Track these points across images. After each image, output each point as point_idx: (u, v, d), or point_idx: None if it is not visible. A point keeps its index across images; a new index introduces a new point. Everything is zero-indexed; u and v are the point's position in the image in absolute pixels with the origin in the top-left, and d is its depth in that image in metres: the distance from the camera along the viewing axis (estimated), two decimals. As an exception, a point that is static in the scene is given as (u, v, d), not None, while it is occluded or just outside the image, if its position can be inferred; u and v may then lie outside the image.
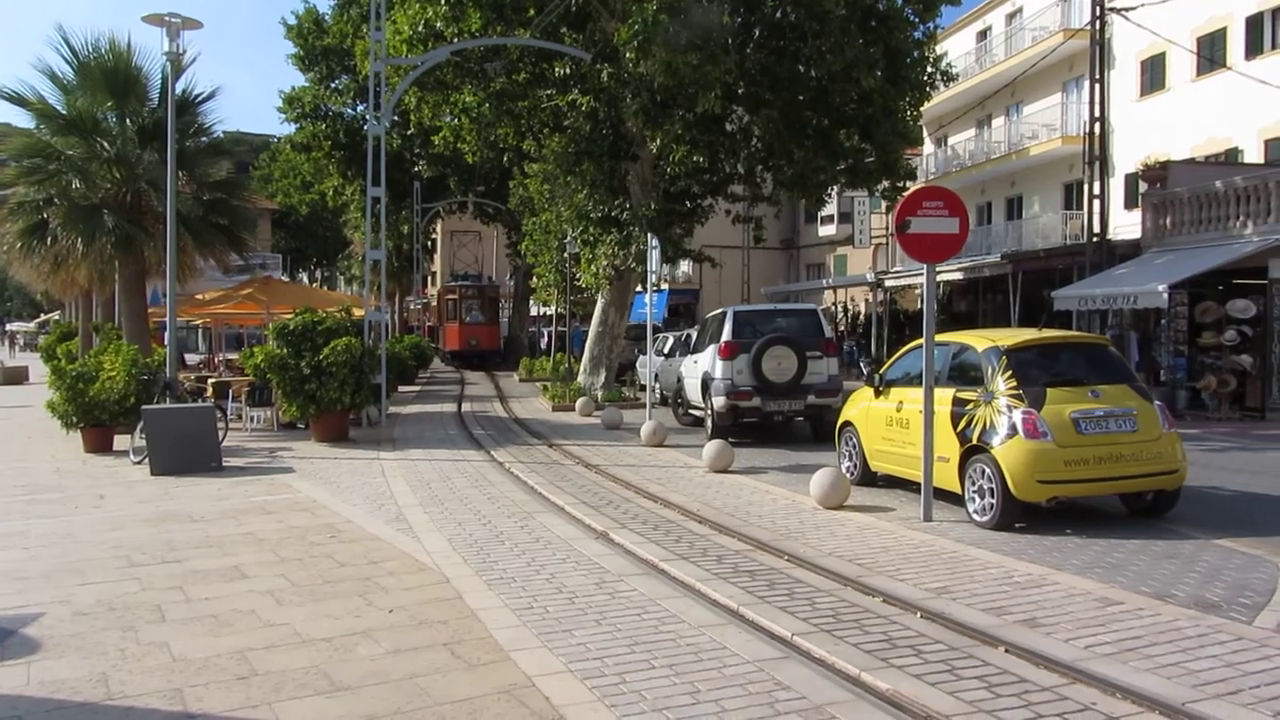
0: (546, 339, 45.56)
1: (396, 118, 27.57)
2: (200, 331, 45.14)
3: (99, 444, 15.07)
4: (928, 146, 38.57)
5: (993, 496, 8.91)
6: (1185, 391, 18.69)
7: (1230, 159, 24.38)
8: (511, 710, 4.86)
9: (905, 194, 23.12)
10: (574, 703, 4.93)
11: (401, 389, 27.74)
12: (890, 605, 6.59)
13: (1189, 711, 4.75)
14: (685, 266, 44.57)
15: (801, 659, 5.60)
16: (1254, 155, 24.26)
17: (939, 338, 9.84)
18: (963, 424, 9.31)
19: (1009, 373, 9.09)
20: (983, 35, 36.88)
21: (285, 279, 45.51)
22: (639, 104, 18.96)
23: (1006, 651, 5.64)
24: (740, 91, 20.50)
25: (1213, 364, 18.28)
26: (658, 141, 20.06)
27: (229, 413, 17.02)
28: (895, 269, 36.26)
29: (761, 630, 6.10)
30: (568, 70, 21.06)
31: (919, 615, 6.34)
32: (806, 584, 7.15)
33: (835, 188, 23.44)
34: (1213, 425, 17.16)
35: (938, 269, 27.29)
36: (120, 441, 15.09)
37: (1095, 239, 21.75)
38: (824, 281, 41.54)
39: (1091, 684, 5.12)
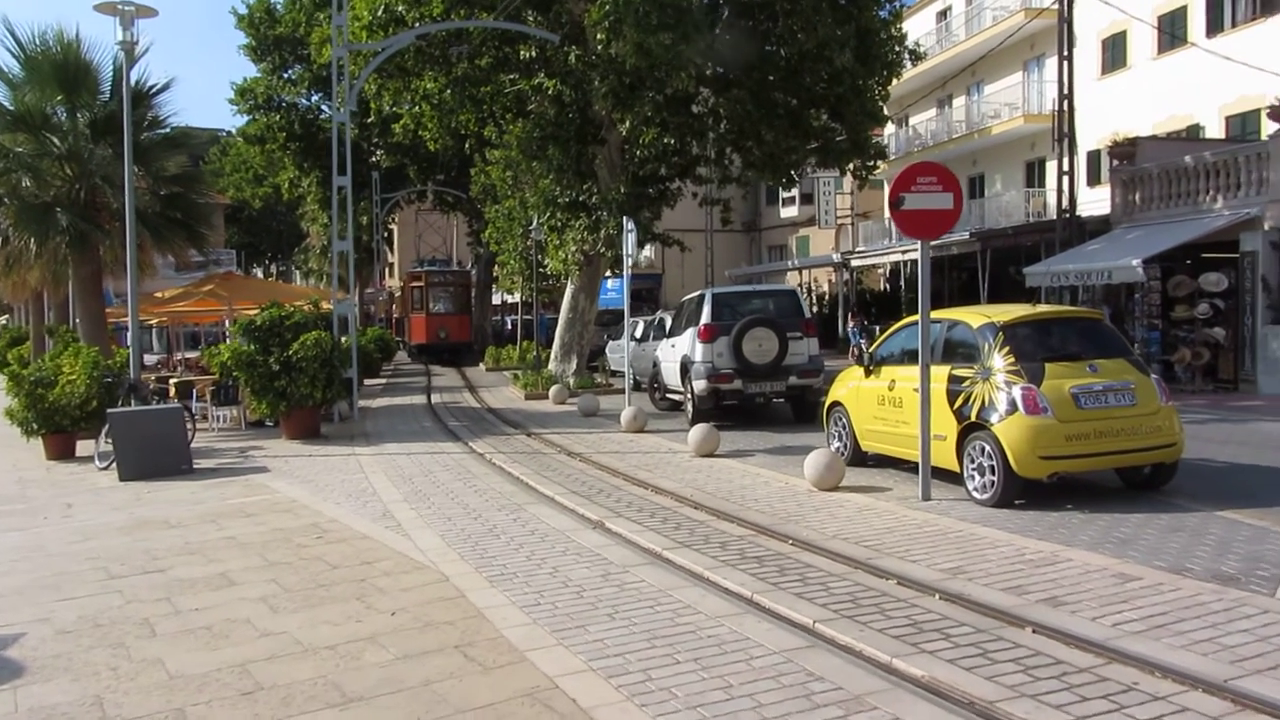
0: (511, 327, 44.88)
1: (354, 107, 27.02)
2: (155, 331, 44.06)
3: (61, 450, 14.55)
4: (889, 127, 38.58)
5: (993, 474, 8.79)
6: (1159, 365, 18.77)
7: (1192, 135, 24.53)
8: (539, 715, 4.62)
9: (875, 171, 23.31)
10: (603, 704, 4.71)
11: (367, 382, 27.27)
12: (906, 588, 6.44)
13: (1233, 689, 4.63)
14: (648, 251, 44.31)
15: (828, 647, 5.42)
16: (1215, 132, 24.44)
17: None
18: (960, 401, 9.18)
19: (1006, 349, 8.98)
20: (943, 15, 36.90)
21: (240, 274, 44.47)
22: (608, 86, 18.66)
23: (1034, 632, 5.51)
24: (708, 73, 20.29)
25: (1186, 337, 18.39)
26: (627, 124, 19.78)
27: (194, 413, 16.55)
28: (859, 249, 36.33)
29: (781, 619, 5.92)
30: (533, 54, 20.70)
31: (938, 597, 6.20)
32: (817, 568, 6.99)
33: (806, 167, 23.28)
34: (1188, 398, 17.22)
35: (906, 248, 27.22)
36: (83, 447, 14.60)
37: (1065, 215, 21.79)
38: (789, 263, 41.53)
39: (1129, 663, 4.99)
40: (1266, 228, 17.65)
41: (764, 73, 20.06)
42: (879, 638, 5.47)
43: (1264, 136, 20.63)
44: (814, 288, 42.10)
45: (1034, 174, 31.32)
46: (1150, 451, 8.89)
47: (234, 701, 4.95)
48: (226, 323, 31.08)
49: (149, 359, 32.34)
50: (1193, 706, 4.49)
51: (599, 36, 17.10)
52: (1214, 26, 24.31)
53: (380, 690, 5.00)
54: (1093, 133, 26.98)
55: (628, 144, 21.64)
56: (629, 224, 16.30)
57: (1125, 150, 21.54)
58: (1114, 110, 26.99)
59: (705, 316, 15.37)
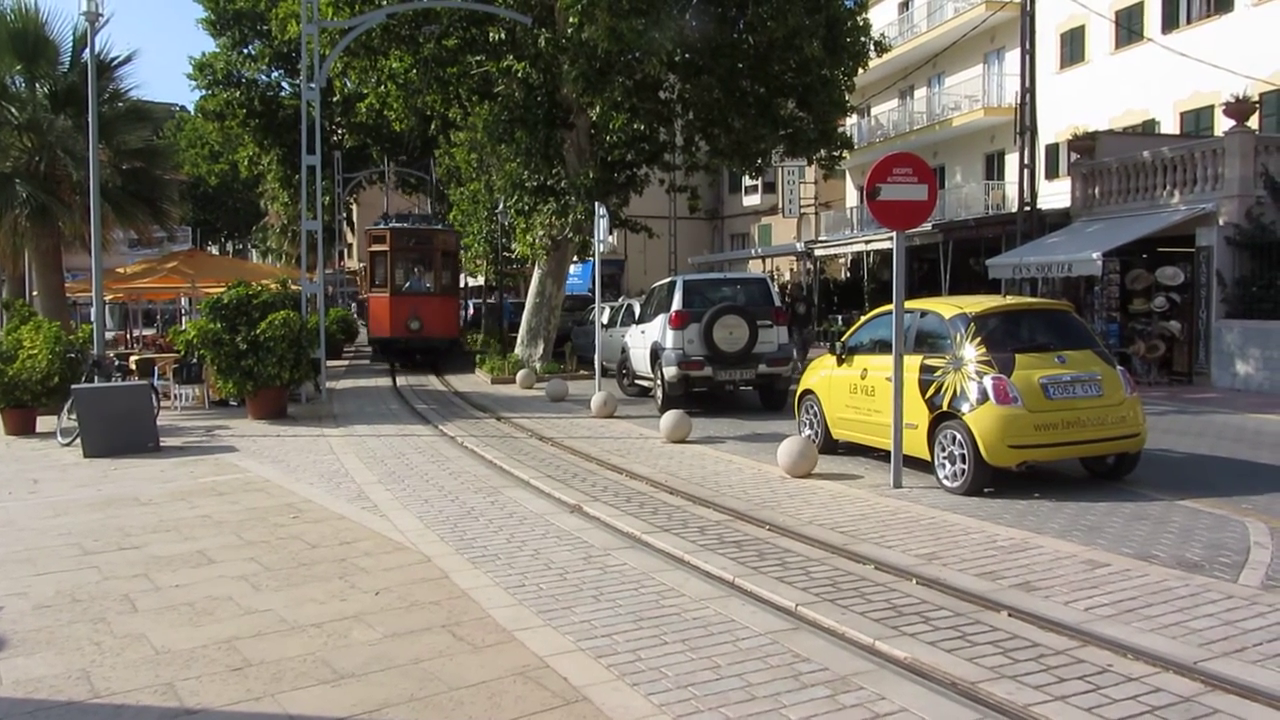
0: (472, 311, 44.32)
1: (323, 83, 26.66)
2: (108, 307, 43.22)
3: (21, 426, 14.32)
4: (850, 117, 38.78)
5: (963, 462, 8.97)
6: (1116, 357, 19.16)
7: (1147, 130, 25.01)
8: (531, 693, 4.68)
9: (844, 161, 23.44)
10: (594, 682, 4.77)
11: (330, 364, 26.97)
12: (884, 573, 6.57)
13: (1203, 670, 4.80)
14: (610, 237, 44.24)
15: (811, 630, 5.53)
16: (1170, 127, 24.96)
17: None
18: (931, 391, 9.35)
19: (978, 339, 9.15)
20: (905, 6, 37.15)
21: (206, 252, 43.63)
22: (578, 70, 18.57)
23: (1010, 616, 5.66)
24: (677, 59, 20.28)
25: (1143, 330, 18.78)
26: (597, 109, 19.73)
27: (158, 390, 16.33)
28: (822, 239, 36.59)
29: (764, 602, 6.02)
30: (501, 36, 20.56)
31: (915, 582, 6.34)
32: (795, 553, 7.10)
33: (774, 155, 23.39)
34: (1144, 390, 17.52)
35: (870, 237, 27.37)
36: (43, 423, 14.38)
37: (1026, 208, 22.13)
38: (752, 251, 41.67)
39: (1102, 646, 5.15)
40: (1221, 223, 18.09)
41: (733, 60, 20.10)
42: (861, 620, 5.59)
43: (1218, 132, 21.13)
44: (776, 276, 42.34)
45: (993, 166, 31.74)
46: (1115, 441, 9.12)
47: (224, 677, 4.94)
48: (185, 300, 30.70)
49: (106, 335, 31.81)
50: (1165, 687, 4.65)
51: (571, 20, 17.03)
52: (1170, 23, 24.81)
53: (371, 668, 5.02)
54: (1051, 126, 27.34)
55: (596, 129, 21.59)
56: (601, 210, 16.28)
57: (1085, 144, 21.93)
58: (1072, 104, 27.41)
59: (676, 303, 15.43)
